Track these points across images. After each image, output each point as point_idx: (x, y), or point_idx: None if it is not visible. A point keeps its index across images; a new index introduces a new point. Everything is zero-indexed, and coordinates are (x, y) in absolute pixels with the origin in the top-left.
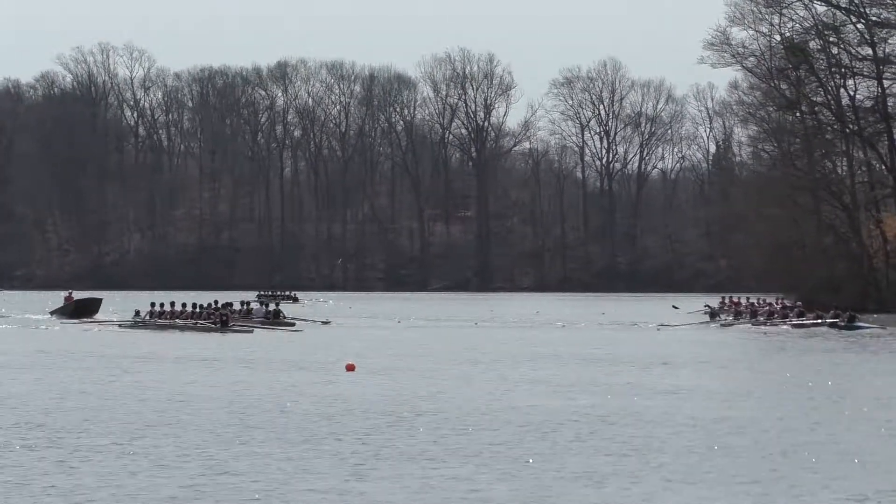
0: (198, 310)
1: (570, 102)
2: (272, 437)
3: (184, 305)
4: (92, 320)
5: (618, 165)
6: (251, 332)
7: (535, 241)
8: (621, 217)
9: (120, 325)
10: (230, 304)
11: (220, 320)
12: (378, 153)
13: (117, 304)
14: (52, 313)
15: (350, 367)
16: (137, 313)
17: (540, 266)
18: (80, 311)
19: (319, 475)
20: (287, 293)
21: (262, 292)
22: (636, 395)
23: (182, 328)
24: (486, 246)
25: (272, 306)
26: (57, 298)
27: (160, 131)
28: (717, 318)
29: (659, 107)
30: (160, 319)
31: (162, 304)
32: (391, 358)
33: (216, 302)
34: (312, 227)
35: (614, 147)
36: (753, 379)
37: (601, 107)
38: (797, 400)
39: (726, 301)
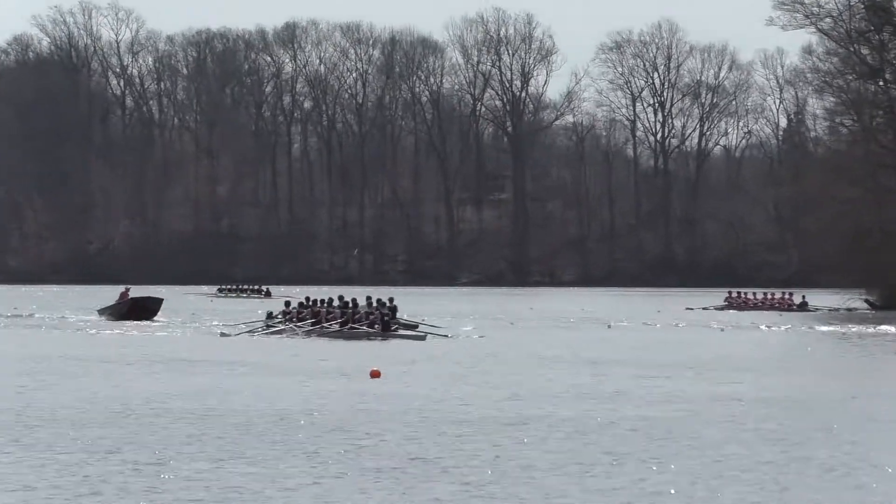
0: (348, 310)
1: (620, 70)
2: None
3: (322, 303)
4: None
5: (674, 142)
6: (423, 338)
7: (579, 228)
8: (678, 200)
9: (253, 332)
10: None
11: (381, 322)
12: (400, 128)
13: (171, 304)
14: (100, 312)
15: (375, 374)
16: (270, 315)
17: (584, 256)
18: (136, 311)
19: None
20: (257, 287)
21: (222, 286)
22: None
23: (333, 335)
24: (523, 234)
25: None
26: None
27: (150, 102)
28: None
29: (721, 75)
30: (302, 324)
31: (301, 304)
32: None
33: (342, 298)
34: (325, 211)
35: (670, 121)
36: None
37: (655, 75)
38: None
39: (733, 296)
